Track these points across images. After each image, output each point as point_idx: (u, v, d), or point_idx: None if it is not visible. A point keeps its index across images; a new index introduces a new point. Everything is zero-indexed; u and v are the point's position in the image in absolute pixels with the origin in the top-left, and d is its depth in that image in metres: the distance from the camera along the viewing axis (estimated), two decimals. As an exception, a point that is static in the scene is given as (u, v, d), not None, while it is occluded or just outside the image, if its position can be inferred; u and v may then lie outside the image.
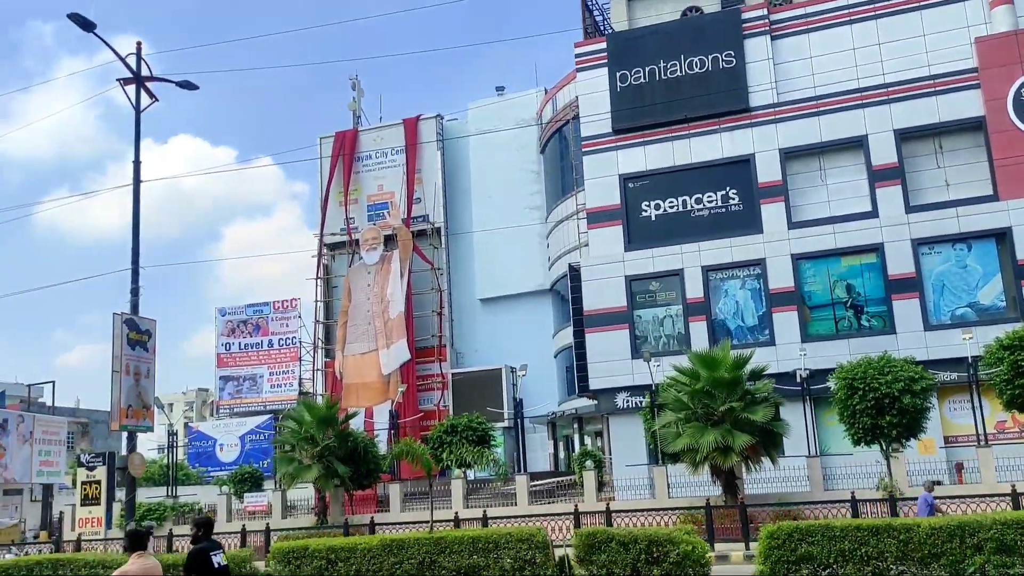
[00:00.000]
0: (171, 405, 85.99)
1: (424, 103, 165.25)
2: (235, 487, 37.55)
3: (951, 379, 29.37)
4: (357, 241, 49.96)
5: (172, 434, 47.23)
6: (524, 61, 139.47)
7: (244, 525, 29.34)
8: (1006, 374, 23.96)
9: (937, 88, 32.38)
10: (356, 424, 38.72)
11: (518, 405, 34.54)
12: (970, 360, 27.80)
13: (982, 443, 27.03)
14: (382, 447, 36.01)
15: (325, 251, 51.68)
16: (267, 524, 29.53)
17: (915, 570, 12.07)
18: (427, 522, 24.24)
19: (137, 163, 24.69)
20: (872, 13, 33.80)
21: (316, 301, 51.58)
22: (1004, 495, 22.41)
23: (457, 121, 51.81)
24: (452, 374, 46.94)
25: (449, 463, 31.24)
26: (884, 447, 24.93)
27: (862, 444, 25.37)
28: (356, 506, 34.07)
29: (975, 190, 31.78)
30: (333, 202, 51.33)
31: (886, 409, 24.14)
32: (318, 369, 51.34)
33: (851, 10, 34.12)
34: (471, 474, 36.20)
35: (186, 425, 63.89)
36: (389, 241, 49.26)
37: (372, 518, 28.72)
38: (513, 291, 47.62)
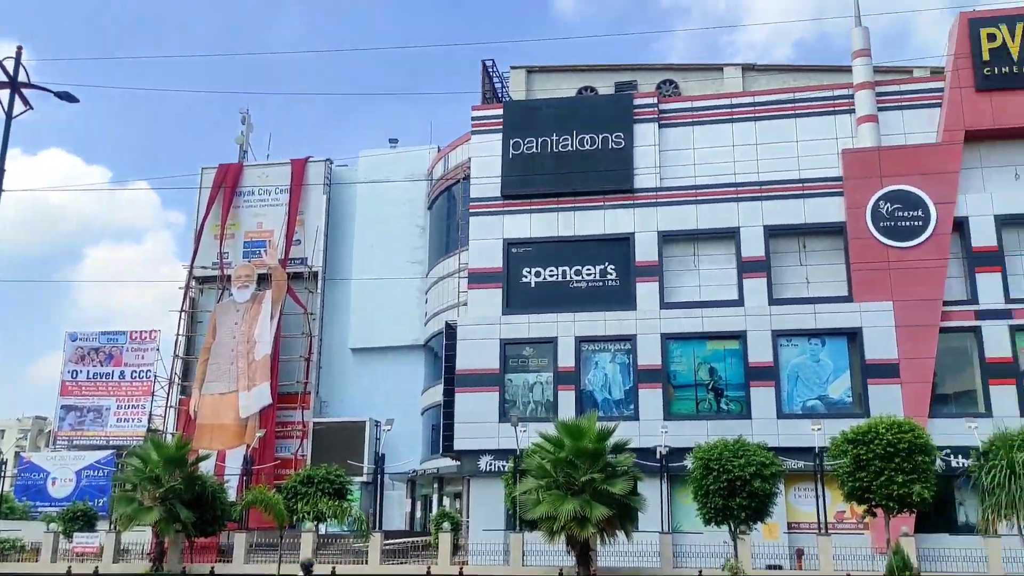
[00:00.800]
0: (2, 432, 79.77)
1: (315, 147, 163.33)
2: (64, 525, 34.92)
3: (798, 467, 30.70)
4: (229, 277, 48.32)
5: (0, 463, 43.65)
6: (420, 117, 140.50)
7: (70, 567, 27.25)
8: (848, 466, 25.28)
9: (805, 191, 34.55)
10: (207, 467, 36.77)
11: (380, 460, 33.79)
12: (817, 450, 29.18)
13: (822, 531, 28.23)
14: (232, 493, 34.40)
15: (194, 284, 49.69)
16: (96, 568, 27.53)
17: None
18: (273, 575, 23.16)
19: (0, 171, 23.18)
20: (752, 115, 35.95)
21: (178, 335, 49.26)
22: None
23: (347, 168, 51.38)
24: (314, 423, 45.59)
25: (304, 515, 30.11)
26: (732, 528, 25.69)
27: (713, 524, 26.07)
28: (196, 554, 32.20)
29: (833, 290, 33.82)
30: (208, 234, 49.62)
31: (737, 491, 24.97)
32: (171, 406, 48.79)
33: (733, 109, 36.20)
34: (323, 528, 34.97)
35: (17, 455, 59.27)
36: (263, 280, 47.90)
37: (212, 568, 27.27)
38: (386, 343, 46.97)
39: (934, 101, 34.47)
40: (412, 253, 47.57)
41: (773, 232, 34.61)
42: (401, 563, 30.90)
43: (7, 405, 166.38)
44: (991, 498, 22.83)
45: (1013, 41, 33.59)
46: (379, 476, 33.43)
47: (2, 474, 43.08)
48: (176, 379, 48.87)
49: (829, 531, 28.70)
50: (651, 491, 28.93)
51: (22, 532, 39.00)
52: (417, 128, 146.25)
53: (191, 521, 29.18)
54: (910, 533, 26.74)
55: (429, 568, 26.47)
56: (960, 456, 29.58)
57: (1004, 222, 32.99)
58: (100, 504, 41.77)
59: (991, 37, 33.78)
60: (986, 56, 33.67)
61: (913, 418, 28.06)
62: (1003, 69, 33.50)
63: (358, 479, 41.08)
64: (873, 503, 25.64)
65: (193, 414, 46.46)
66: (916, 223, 33.10)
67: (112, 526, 33.38)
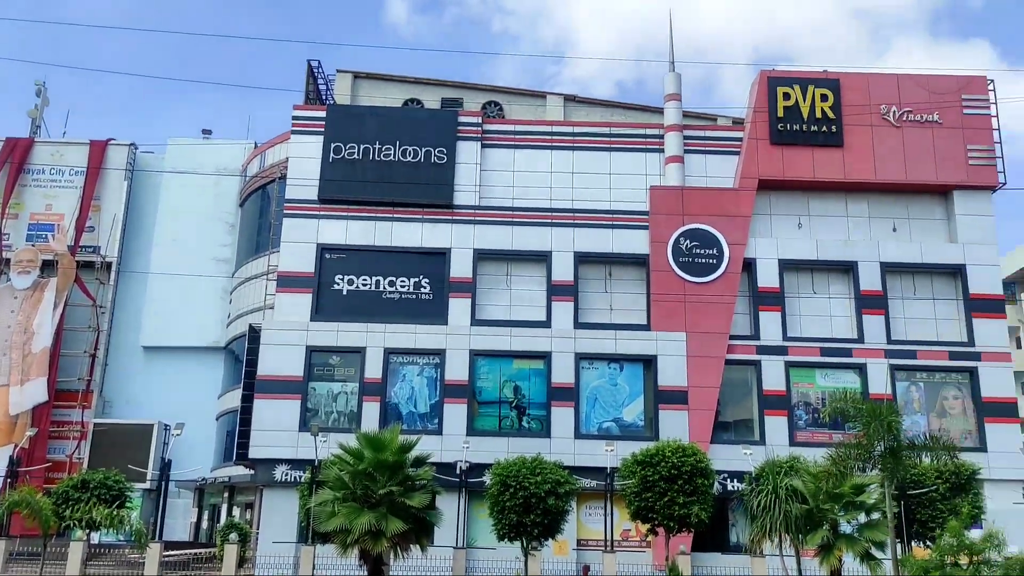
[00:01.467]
0: None
1: (119, 130, 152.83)
2: None
3: (591, 486, 31.86)
4: (8, 260, 44.15)
5: None
6: (238, 111, 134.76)
7: None
8: (636, 487, 26.58)
9: (615, 222, 36.19)
10: (-36, 468, 33.35)
11: (165, 466, 31.85)
12: (609, 470, 30.45)
13: (608, 549, 29.43)
14: (-8, 497, 31.21)
15: (-35, 265, 44.99)
16: None
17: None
18: (32, 589, 21.25)
19: None
20: (571, 144, 37.30)
21: (-59, 320, 44.42)
22: (621, 598, 24.49)
23: (153, 155, 48.39)
24: (95, 424, 42.29)
25: (74, 522, 27.83)
26: (524, 544, 26.27)
27: (506, 539, 26.54)
28: (-57, 564, 28.98)
29: (633, 317, 35.56)
30: (-13, 212, 45.14)
31: (532, 508, 25.59)
32: (-73, 398, 43.80)
33: (553, 137, 37.41)
34: (96, 537, 32.49)
35: None
36: (47, 267, 44.06)
37: (-38, 580, 24.66)
38: (184, 343, 44.46)
39: (734, 149, 37.18)
40: (219, 251, 45.42)
41: (582, 258, 35.94)
42: (183, 575, 29.22)
43: None
44: (758, 520, 24.65)
45: (804, 101, 36.88)
46: (164, 483, 31.50)
47: None
48: (-65, 369, 43.92)
49: (615, 548, 29.96)
50: (449, 506, 29.05)
51: None
52: (233, 123, 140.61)
53: (-60, 527, 26.29)
54: (687, 551, 28.41)
55: (212, 581, 25.26)
56: (736, 480, 31.82)
57: (786, 266, 35.99)
58: None
59: (786, 96, 36.93)
60: (781, 112, 36.75)
61: (697, 443, 29.93)
62: (794, 126, 36.67)
63: (140, 486, 38.42)
64: (656, 522, 27.08)
65: (-48, 408, 41.90)
66: (711, 260, 35.46)
67: None
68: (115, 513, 24.35)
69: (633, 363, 35.11)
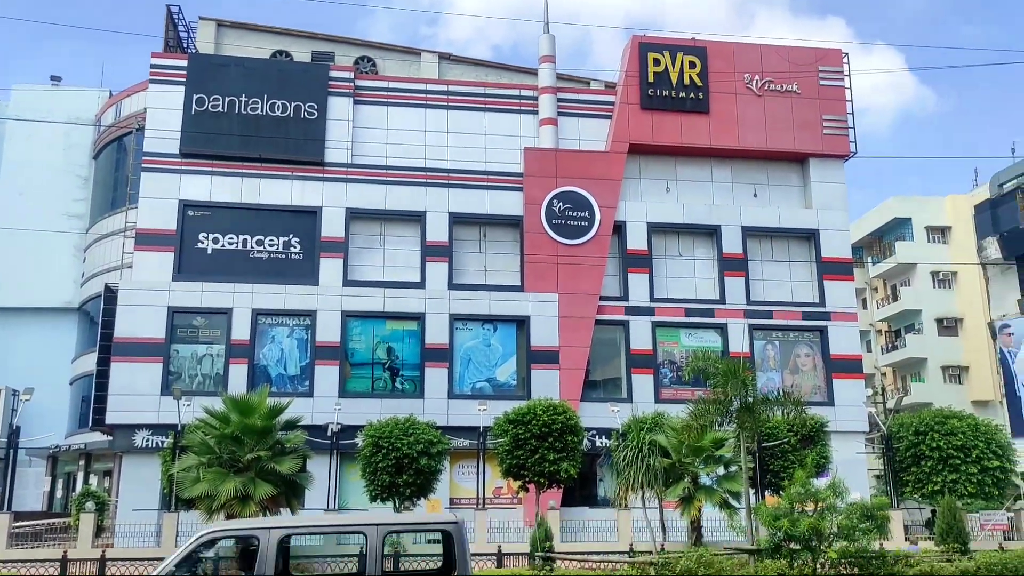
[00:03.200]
0: None
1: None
2: None
3: (464, 445, 32.16)
4: None
5: None
6: (91, 58, 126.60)
7: None
8: (508, 445, 27.03)
9: (489, 183, 36.17)
10: None
11: (13, 433, 30.03)
12: (481, 429, 30.80)
13: (480, 506, 29.86)
14: None
15: None
16: None
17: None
18: None
19: None
20: (445, 103, 36.89)
21: None
22: (492, 554, 24.96)
23: (-4, 101, 44.98)
24: (-67, 390, 39.50)
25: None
26: (397, 504, 26.33)
27: (379, 500, 26.52)
28: None
29: (507, 279, 35.82)
30: None
31: (405, 468, 25.64)
32: None
33: (428, 95, 36.89)
34: (-64, 511, 30.41)
35: None
36: None
37: None
38: (32, 304, 41.97)
39: (606, 113, 37.72)
40: (71, 206, 42.90)
41: (457, 219, 35.82)
42: (34, 547, 27.73)
43: None
44: (624, 474, 25.57)
45: (674, 68, 37.71)
46: (12, 451, 29.72)
47: None
48: None
49: (487, 506, 30.40)
50: (321, 468, 28.80)
51: None
52: (86, 71, 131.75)
53: None
54: (557, 507, 29.15)
55: (66, 552, 24.07)
56: (604, 436, 32.81)
57: (654, 229, 36.99)
58: None
59: (656, 61, 37.66)
60: (651, 78, 37.48)
61: (567, 401, 30.65)
62: (664, 92, 37.49)
63: (-14, 455, 36.24)
64: (527, 479, 27.65)
65: None
66: (583, 223, 36.05)
67: None
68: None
69: (507, 324, 35.44)
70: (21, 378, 36.64)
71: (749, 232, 37.41)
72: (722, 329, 36.35)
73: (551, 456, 27.04)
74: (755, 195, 38.18)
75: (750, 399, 21.06)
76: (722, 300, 36.63)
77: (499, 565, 23.84)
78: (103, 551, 24.68)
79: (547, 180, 36.16)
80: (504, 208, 36.12)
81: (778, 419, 27.26)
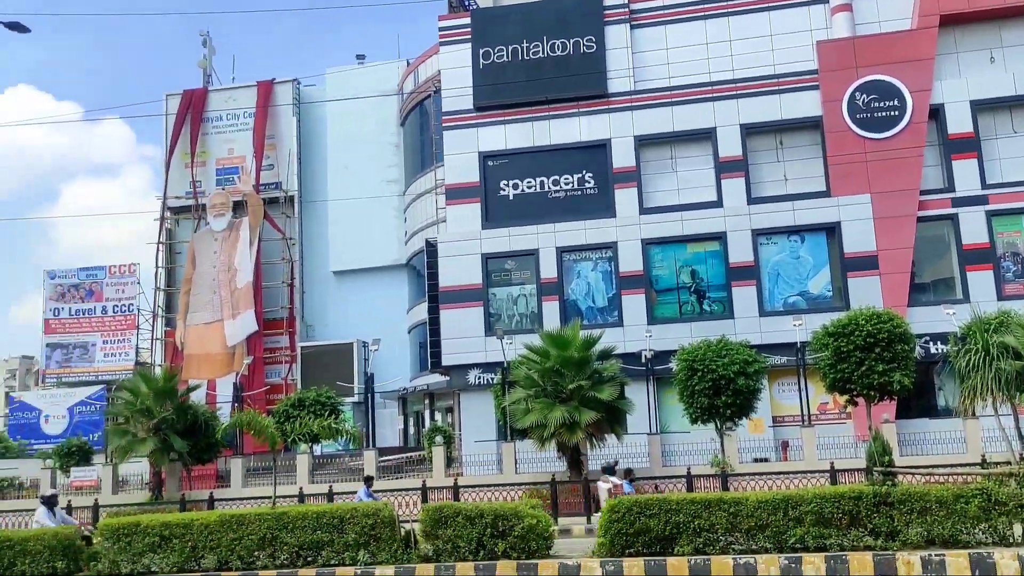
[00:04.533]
0: (-10, 373, 79.82)
1: (281, 68, 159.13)
2: (61, 461, 35.23)
3: (781, 363, 31.19)
4: (204, 206, 47.77)
5: (-10, 404, 43.82)
6: (387, 31, 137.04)
7: (70, 501, 27.58)
8: (830, 359, 25.70)
9: (781, 87, 34.11)
10: (198, 397, 37.17)
11: (369, 380, 34.07)
12: (799, 345, 29.60)
13: (806, 423, 28.91)
14: (225, 421, 34.68)
15: (169, 215, 49.14)
16: (95, 500, 27.92)
17: (743, 541, 12.79)
18: (270, 498, 23.58)
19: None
20: (724, 10, 35.17)
21: (157, 267, 49.01)
22: (824, 471, 24.17)
23: (315, 87, 50.29)
24: (301, 347, 45.83)
25: (295, 437, 30.47)
26: (719, 426, 26.25)
27: (699, 422, 26.58)
28: (194, 482, 32.72)
29: (810, 185, 33.77)
30: (179, 163, 48.81)
31: (722, 390, 25.39)
32: (157, 339, 48.90)
33: (705, 6, 35.37)
34: (318, 449, 35.52)
35: (7, 395, 59.47)
36: (238, 207, 47.39)
37: (211, 494, 27.73)
38: (368, 264, 46.90)
39: (909, -14, 33.75)
40: (387, 172, 47.07)
41: (750, 130, 34.29)
42: (397, 478, 31.52)
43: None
44: (968, 381, 23.28)
45: (989, -81, 32.69)
46: (370, 396, 33.77)
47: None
48: (160, 311, 48.82)
49: (812, 423, 29.38)
50: (638, 395, 29.43)
51: (19, 470, 39.49)
52: (385, 44, 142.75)
53: (185, 450, 29.57)
54: (891, 420, 27.41)
55: (424, 481, 27.00)
56: (939, 342, 30.13)
57: (979, 107, 32.77)
58: (95, 439, 42.15)
59: (966, -85, 32.86)
60: (961, -64, 32.82)
61: (892, 308, 28.41)
62: (978, -51, 32.70)
63: (349, 400, 41.55)
64: (855, 392, 26.17)
65: (180, 345, 46.61)
66: (892, 113, 32.86)
67: (108, 459, 33.79)
68: (331, 424, 26.40)
69: (815, 233, 33.52)
70: (368, 331, 41.29)
71: (1104, 93, 31.82)
72: (1077, 210, 31.51)
73: (880, 367, 25.26)
74: (1108, 48, 32.28)
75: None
76: (1074, 177, 31.69)
77: (833, 481, 22.96)
78: (455, 479, 27.35)
79: (846, 72, 33.31)
80: (800, 111, 33.91)
81: None
